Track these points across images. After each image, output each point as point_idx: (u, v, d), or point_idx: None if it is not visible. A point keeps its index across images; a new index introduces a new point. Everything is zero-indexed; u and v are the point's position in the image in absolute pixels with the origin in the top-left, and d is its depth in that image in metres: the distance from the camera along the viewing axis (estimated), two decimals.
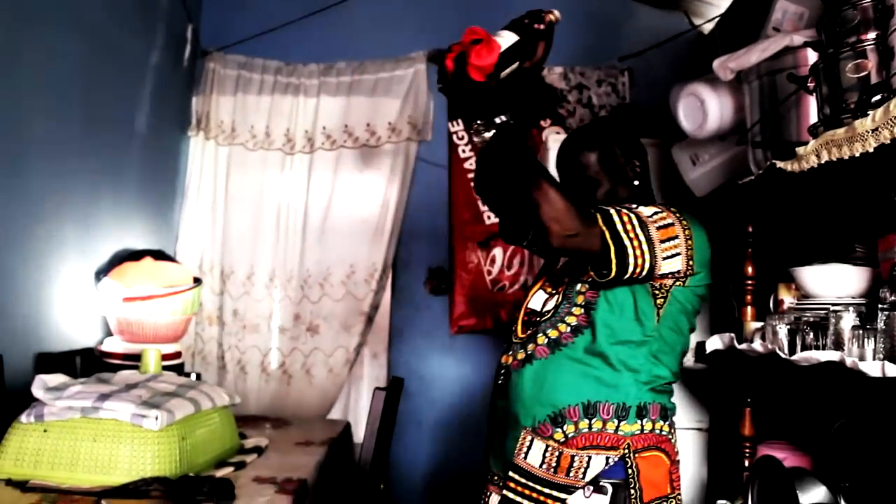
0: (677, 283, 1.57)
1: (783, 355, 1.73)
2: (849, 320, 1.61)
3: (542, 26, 1.52)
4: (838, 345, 1.62)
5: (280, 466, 2.02)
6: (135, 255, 2.66)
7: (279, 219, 3.44)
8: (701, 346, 2.29)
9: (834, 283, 1.84)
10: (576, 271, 1.65)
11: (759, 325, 2.08)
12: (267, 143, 3.46)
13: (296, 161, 3.45)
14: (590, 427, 1.52)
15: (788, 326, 1.79)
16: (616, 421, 1.53)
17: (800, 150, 1.57)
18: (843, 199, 1.93)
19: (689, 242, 1.55)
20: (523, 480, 1.54)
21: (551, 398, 1.55)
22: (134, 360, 2.40)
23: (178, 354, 2.64)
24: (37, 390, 1.78)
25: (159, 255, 2.72)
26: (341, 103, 3.46)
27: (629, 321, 1.57)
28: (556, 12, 1.54)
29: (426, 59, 3.44)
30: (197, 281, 2.75)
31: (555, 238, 1.45)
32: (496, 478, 1.63)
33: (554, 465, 1.52)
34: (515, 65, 1.52)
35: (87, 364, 2.48)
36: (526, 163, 1.49)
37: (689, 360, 2.74)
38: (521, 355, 1.62)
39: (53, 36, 2.31)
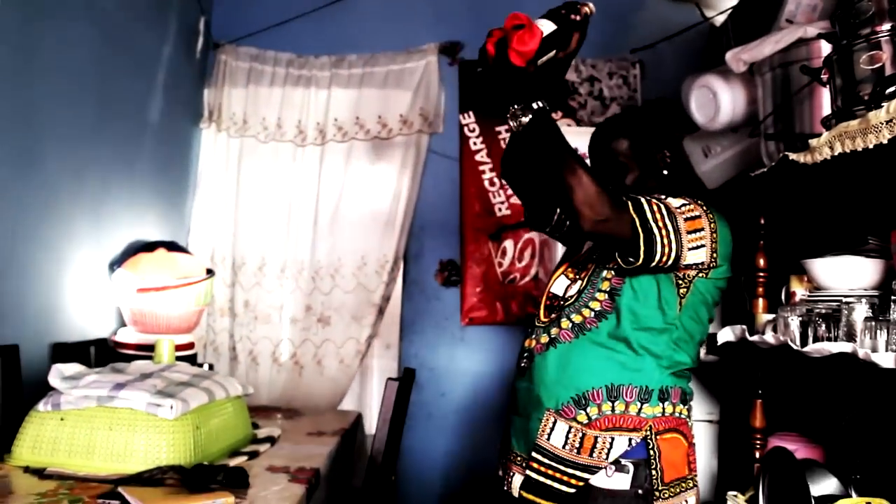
0: (700, 275, 1.59)
1: (795, 347, 1.73)
2: (861, 312, 1.61)
3: (578, 17, 1.54)
4: (850, 336, 1.62)
5: (293, 456, 2.03)
6: (148, 247, 2.68)
7: (291, 210, 3.45)
8: (712, 337, 2.29)
9: (846, 274, 1.84)
10: (601, 258, 1.67)
11: (770, 316, 2.08)
12: (279, 135, 3.47)
13: (307, 153, 3.46)
14: (613, 409, 1.56)
15: (800, 318, 1.79)
16: (639, 403, 1.57)
17: (813, 141, 1.57)
18: (856, 191, 1.92)
19: (714, 235, 1.57)
20: (546, 461, 1.58)
21: (575, 381, 1.58)
22: (147, 350, 2.42)
23: (191, 345, 2.66)
24: (53, 379, 1.80)
25: (173, 247, 2.74)
26: (353, 95, 3.47)
27: (653, 308, 1.60)
28: (592, 5, 1.56)
29: (438, 52, 3.45)
30: (210, 272, 2.77)
31: (586, 222, 1.45)
32: (519, 458, 1.65)
33: (577, 445, 1.55)
34: (552, 53, 1.53)
35: (101, 354, 2.51)
36: (562, 147, 1.50)
37: (700, 351, 2.75)
38: (544, 339, 1.65)
39: (67, 27, 2.32)
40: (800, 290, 2.04)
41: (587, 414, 1.56)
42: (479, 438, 3.33)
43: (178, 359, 2.36)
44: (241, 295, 3.44)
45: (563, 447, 1.56)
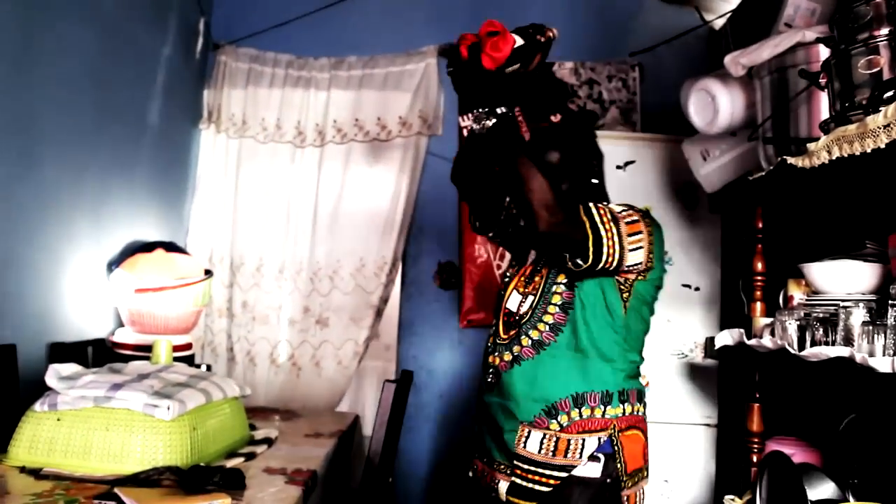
0: (639, 277, 1.72)
1: (792, 351, 1.73)
2: (859, 316, 1.61)
3: (542, 39, 1.65)
4: (848, 341, 1.62)
5: (290, 458, 2.03)
6: (147, 247, 2.67)
7: (289, 211, 3.44)
8: (710, 341, 2.29)
9: (844, 279, 1.84)
10: (549, 263, 1.79)
11: (768, 320, 2.08)
12: (278, 136, 3.46)
13: (306, 154, 3.46)
14: (580, 415, 1.69)
15: (798, 322, 1.80)
16: (602, 406, 1.70)
17: (811, 146, 1.57)
18: (854, 196, 1.93)
19: (651, 238, 1.70)
20: (527, 466, 1.70)
21: (543, 395, 1.71)
22: (145, 350, 2.42)
23: (188, 346, 2.66)
24: (50, 379, 1.80)
25: (171, 247, 2.74)
26: (352, 97, 3.46)
27: (602, 316, 1.72)
28: (556, 30, 1.67)
29: (437, 54, 3.44)
30: (208, 273, 2.76)
31: (542, 223, 1.57)
32: (502, 466, 1.76)
33: (552, 449, 1.69)
34: (516, 66, 1.64)
35: (98, 354, 2.50)
36: (522, 152, 1.62)
37: (697, 355, 2.76)
38: (507, 356, 1.77)
39: (66, 27, 2.32)
40: (798, 294, 2.04)
41: (558, 422, 1.70)
42: None
43: (176, 359, 2.35)
44: (240, 296, 3.44)
45: (540, 452, 1.70)
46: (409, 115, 3.41)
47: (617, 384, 1.73)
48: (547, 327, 1.73)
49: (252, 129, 3.47)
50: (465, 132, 3.45)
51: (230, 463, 1.88)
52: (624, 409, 1.72)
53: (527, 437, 1.71)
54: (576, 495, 1.66)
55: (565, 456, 1.67)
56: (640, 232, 1.67)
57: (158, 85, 3.03)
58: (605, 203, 1.72)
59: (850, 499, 1.84)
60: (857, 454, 1.91)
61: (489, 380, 1.81)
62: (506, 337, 1.79)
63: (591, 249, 1.60)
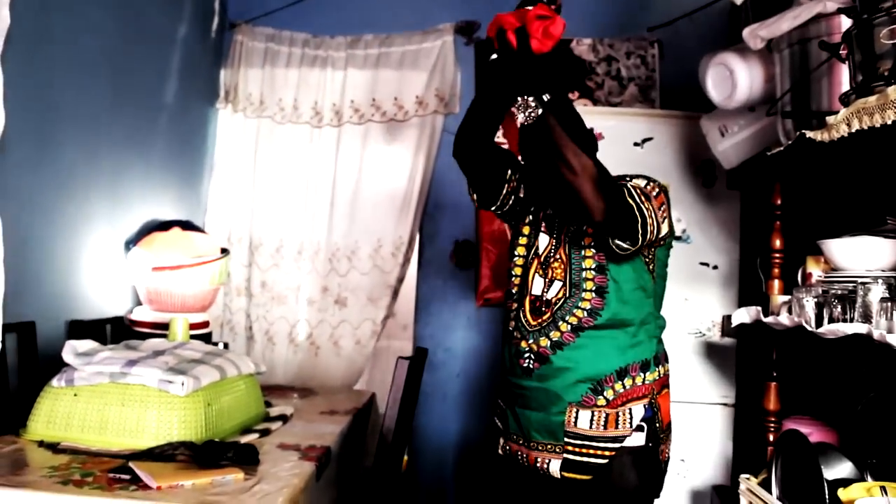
0: (660, 244, 1.76)
1: (810, 328, 1.71)
2: (877, 293, 1.58)
3: (555, 6, 1.61)
4: (866, 318, 1.59)
5: (304, 434, 2.04)
6: (163, 226, 2.69)
7: (308, 192, 3.45)
8: (727, 319, 2.27)
9: (863, 255, 1.81)
10: (568, 256, 1.78)
11: (786, 298, 2.06)
12: (295, 117, 3.46)
13: (324, 134, 3.45)
14: (624, 386, 1.72)
15: (816, 299, 1.77)
16: (642, 374, 1.74)
17: (830, 119, 1.54)
18: (874, 170, 1.89)
19: (669, 207, 1.73)
20: (580, 442, 1.73)
21: (589, 375, 1.73)
22: (163, 328, 2.45)
23: (205, 324, 2.68)
24: (67, 355, 1.82)
25: (187, 226, 2.75)
26: (369, 76, 3.44)
27: (636, 291, 1.75)
28: None
29: (454, 31, 3.41)
30: (224, 251, 2.78)
31: (597, 213, 1.58)
32: (549, 446, 1.77)
33: (603, 423, 1.71)
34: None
35: (117, 332, 2.53)
36: (574, 139, 1.59)
37: (715, 334, 2.74)
38: (544, 342, 1.76)
39: (82, 8, 2.33)
40: (816, 271, 2.01)
41: (605, 397, 1.72)
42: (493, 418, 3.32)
43: (193, 337, 2.38)
44: (258, 275, 3.45)
45: (591, 427, 1.72)
46: (426, 93, 3.39)
47: (652, 350, 1.78)
48: (585, 312, 1.73)
49: (269, 109, 3.47)
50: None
51: (245, 439, 1.89)
52: (659, 372, 1.77)
53: (576, 416, 1.73)
54: (626, 464, 1.72)
55: (616, 427, 1.71)
56: (663, 204, 1.71)
57: (174, 64, 3.03)
58: (627, 178, 1.73)
59: (869, 479, 1.82)
60: (876, 433, 1.89)
61: (527, 365, 1.79)
62: (535, 323, 1.79)
63: (639, 233, 1.61)
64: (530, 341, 1.79)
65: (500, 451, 1.90)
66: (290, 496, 1.51)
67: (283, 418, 2.19)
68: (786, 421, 2.16)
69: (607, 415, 1.71)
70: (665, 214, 1.71)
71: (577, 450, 1.73)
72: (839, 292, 1.73)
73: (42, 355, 2.14)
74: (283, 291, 3.45)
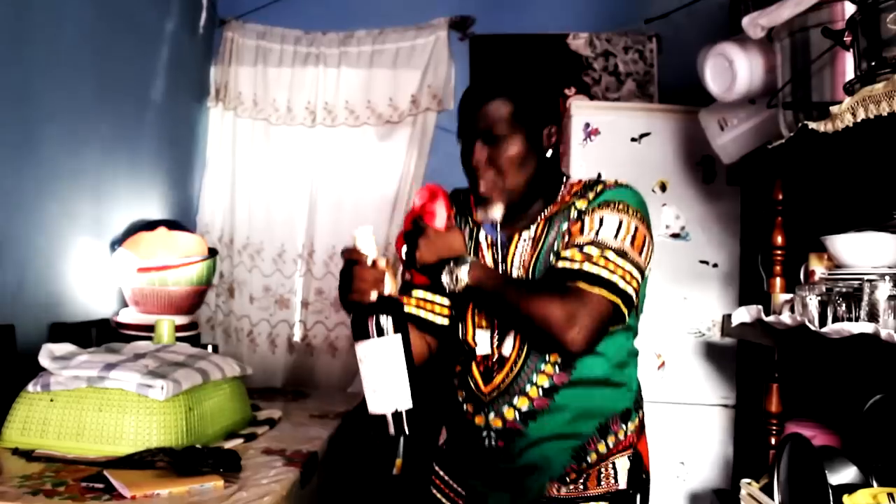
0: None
1: (813, 328, 1.64)
2: (884, 290, 1.51)
3: None
4: (872, 317, 1.53)
5: (292, 438, 1.99)
6: (149, 226, 2.63)
7: (301, 192, 3.40)
8: (727, 318, 2.22)
9: (869, 252, 1.75)
10: None
11: (788, 296, 2.00)
12: (289, 119, 3.41)
13: (317, 134, 3.40)
14: (607, 446, 1.49)
15: (819, 298, 1.71)
16: (624, 426, 1.51)
17: (834, 108, 1.48)
18: (880, 163, 1.83)
19: (651, 233, 1.46)
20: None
21: (571, 441, 1.47)
22: (149, 330, 2.38)
23: (193, 325, 2.61)
24: (43, 359, 1.76)
25: (174, 226, 2.69)
26: (363, 76, 3.39)
27: (619, 333, 1.49)
28: None
29: (448, 26, 3.36)
30: (212, 252, 2.72)
31: (575, 346, 1.34)
32: None
33: (582, 485, 1.49)
34: None
35: (102, 335, 2.46)
36: (510, 290, 1.42)
37: (715, 334, 2.68)
38: (510, 414, 1.46)
39: (63, 1, 2.27)
40: (819, 269, 1.95)
41: (588, 462, 1.48)
42: None
43: (181, 339, 2.32)
44: (250, 277, 3.40)
45: (570, 490, 1.49)
46: (420, 91, 3.34)
47: (632, 395, 1.53)
48: (556, 367, 1.44)
49: (264, 111, 3.42)
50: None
51: (229, 444, 1.84)
52: (639, 417, 1.54)
53: (557, 491, 1.48)
54: None
55: (598, 485, 1.48)
56: (644, 239, 1.43)
57: (162, 60, 2.97)
58: (594, 241, 1.40)
59: (875, 484, 1.76)
60: (882, 437, 1.83)
61: (491, 444, 1.48)
62: (490, 390, 1.48)
63: (625, 312, 1.38)
64: (487, 415, 1.48)
65: None
66: None
67: (271, 422, 2.13)
68: (788, 423, 2.11)
69: (588, 476, 1.48)
70: (650, 253, 1.45)
71: None
72: (844, 290, 1.66)
73: (24, 360, 2.07)
74: (277, 293, 3.40)
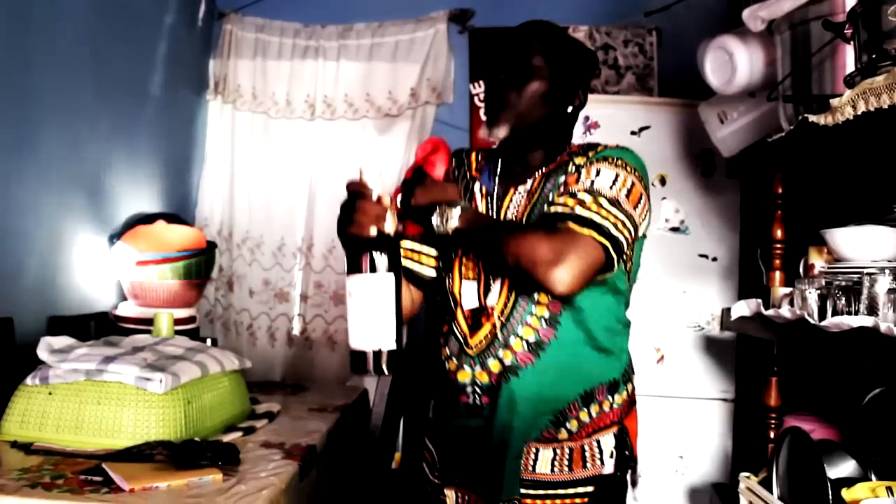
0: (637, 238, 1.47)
1: (812, 321, 1.64)
2: (884, 284, 1.51)
3: None
4: (872, 310, 1.53)
5: (291, 432, 1.98)
6: (148, 219, 2.63)
7: (301, 185, 3.40)
8: (726, 312, 2.22)
9: (869, 245, 1.75)
10: None
11: (787, 290, 2.00)
12: (288, 112, 3.40)
13: (316, 127, 3.39)
14: (590, 415, 1.46)
15: (819, 291, 1.71)
16: (610, 397, 1.48)
17: (834, 101, 1.48)
18: (880, 156, 1.83)
19: (648, 192, 1.47)
20: (542, 491, 1.45)
21: (552, 404, 1.45)
22: (148, 324, 2.37)
23: (192, 318, 2.61)
24: (42, 352, 1.76)
25: (172, 219, 2.69)
26: (362, 69, 3.38)
27: (607, 293, 1.47)
28: None
29: (447, 19, 3.35)
30: (211, 245, 2.71)
31: (561, 286, 1.29)
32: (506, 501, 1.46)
33: (567, 464, 1.46)
34: None
35: (101, 328, 2.46)
36: (497, 231, 1.42)
37: (714, 328, 2.68)
38: (495, 367, 1.45)
39: None
40: (819, 262, 1.95)
41: (567, 429, 1.46)
42: None
43: (180, 332, 2.31)
44: (249, 270, 3.40)
45: (553, 471, 1.46)
46: (419, 85, 3.33)
47: (622, 366, 1.50)
48: (542, 322, 1.43)
49: (263, 104, 3.41)
50: (476, 100, 3.35)
51: (228, 437, 1.83)
52: (627, 390, 1.51)
53: (535, 459, 1.45)
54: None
55: (584, 466, 1.45)
56: (640, 196, 1.43)
57: (160, 54, 2.96)
58: (588, 188, 1.39)
59: (873, 478, 1.76)
60: (881, 431, 1.83)
61: (470, 402, 1.48)
62: (478, 344, 1.47)
63: (615, 259, 1.34)
64: (469, 369, 1.48)
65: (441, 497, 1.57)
66: (271, 497, 1.44)
67: (270, 416, 2.12)
68: (787, 417, 2.11)
69: (571, 451, 1.45)
70: (645, 210, 1.44)
71: (540, 502, 1.45)
72: (843, 284, 1.66)
73: (22, 353, 2.07)
74: (276, 287, 3.40)
